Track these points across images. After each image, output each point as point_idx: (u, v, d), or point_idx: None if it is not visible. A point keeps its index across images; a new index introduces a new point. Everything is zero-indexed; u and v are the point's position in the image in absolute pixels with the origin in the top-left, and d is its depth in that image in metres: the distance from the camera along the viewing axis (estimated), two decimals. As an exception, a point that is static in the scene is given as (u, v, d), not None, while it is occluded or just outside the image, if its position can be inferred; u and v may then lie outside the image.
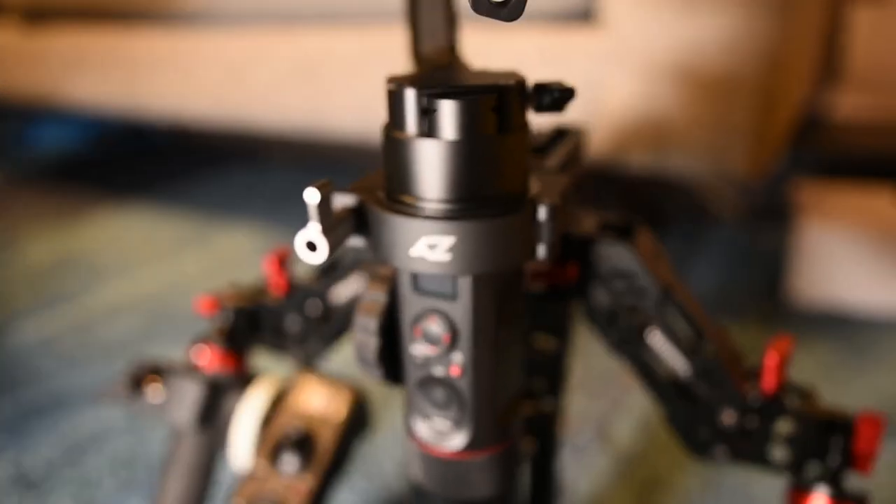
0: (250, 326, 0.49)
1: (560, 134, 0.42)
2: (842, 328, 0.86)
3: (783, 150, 1.19)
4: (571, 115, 0.76)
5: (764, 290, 0.97)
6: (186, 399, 0.47)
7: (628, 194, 1.21)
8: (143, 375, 0.48)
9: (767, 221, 1.22)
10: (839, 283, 0.91)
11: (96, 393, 0.76)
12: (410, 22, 0.37)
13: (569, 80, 0.79)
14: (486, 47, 0.79)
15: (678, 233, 1.19)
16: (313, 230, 0.26)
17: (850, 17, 1.41)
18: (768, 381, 0.36)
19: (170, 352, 0.83)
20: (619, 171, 1.04)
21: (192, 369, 0.48)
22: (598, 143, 0.75)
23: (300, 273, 0.48)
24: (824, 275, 0.91)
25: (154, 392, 0.47)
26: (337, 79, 0.91)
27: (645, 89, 0.71)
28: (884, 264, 0.89)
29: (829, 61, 1.41)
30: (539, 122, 0.45)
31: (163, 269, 1.10)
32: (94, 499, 0.62)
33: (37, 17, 1.23)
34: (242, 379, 0.48)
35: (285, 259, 0.47)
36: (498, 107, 0.26)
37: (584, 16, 0.76)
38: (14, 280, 1.08)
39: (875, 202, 0.99)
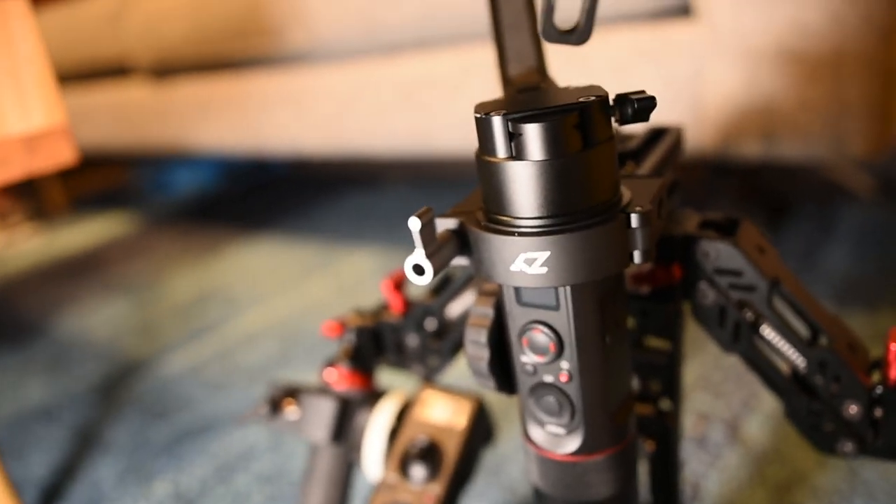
0: (374, 346, 0.52)
1: (656, 135, 0.43)
2: None
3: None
4: (677, 110, 0.75)
5: (902, 272, 0.91)
6: (321, 416, 0.50)
7: (747, 184, 1.17)
8: (280, 397, 0.52)
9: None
10: None
11: (239, 416, 0.82)
12: (497, 45, 0.39)
13: (670, 75, 0.77)
14: (583, 51, 0.80)
15: (808, 216, 1.14)
16: (419, 255, 0.29)
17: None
18: (893, 370, 0.35)
19: (304, 373, 0.88)
20: (733, 163, 1.01)
21: (324, 389, 0.52)
22: (706, 136, 0.74)
23: (417, 293, 0.51)
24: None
25: (291, 411, 0.51)
26: (438, 99, 0.94)
27: (749, 77, 0.70)
28: None
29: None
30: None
31: (293, 295, 1.17)
32: (247, 513, 0.67)
33: (162, 73, 1.34)
34: (371, 395, 0.52)
35: (401, 281, 0.50)
36: (580, 124, 0.27)
37: (682, 11, 0.75)
38: (162, 316, 1.18)
39: None
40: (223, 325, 1.10)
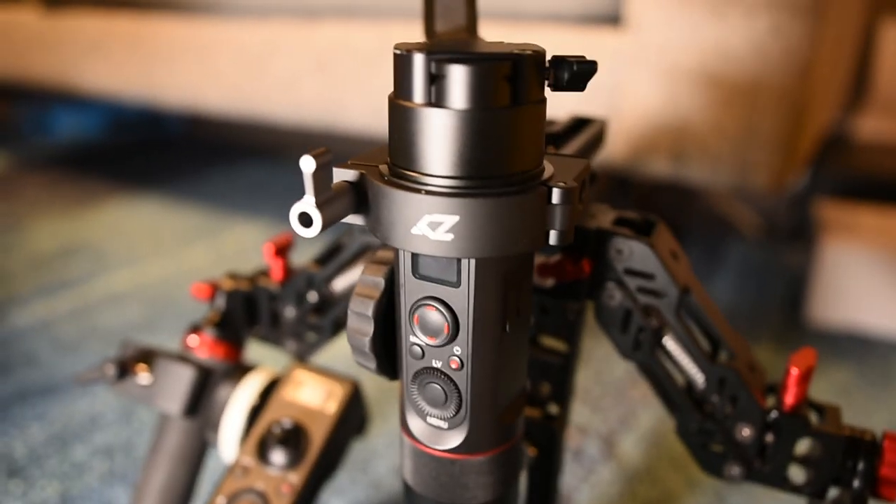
0: (246, 314, 0.47)
1: (579, 124, 0.40)
2: (861, 351, 0.83)
3: (807, 166, 1.16)
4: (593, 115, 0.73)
5: (783, 309, 0.94)
6: (176, 385, 0.45)
7: (644, 204, 1.19)
8: (132, 358, 0.46)
9: (790, 240, 1.19)
10: (859, 305, 0.88)
11: (80, 373, 0.75)
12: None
13: (591, 82, 0.76)
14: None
15: (695, 246, 1.16)
16: (308, 202, 0.24)
17: (877, 37, 1.38)
18: (789, 396, 0.34)
19: (169, 342, 0.81)
20: (637, 178, 1.01)
21: (184, 355, 0.46)
22: (617, 146, 0.73)
23: (301, 262, 0.46)
24: (844, 296, 0.88)
25: (142, 376, 0.45)
26: (353, 73, 0.89)
27: (668, 93, 0.69)
28: (907, 288, 0.86)
29: (857, 82, 1.38)
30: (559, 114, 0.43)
31: (169, 260, 1.09)
32: (79, 487, 0.60)
33: (57, 1, 1.22)
34: (236, 368, 0.46)
35: (285, 245, 0.45)
36: (512, 76, 0.24)
37: (612, 19, 0.74)
38: (17, 264, 1.07)
39: (900, 224, 0.96)
40: (85, 282, 1.00)
